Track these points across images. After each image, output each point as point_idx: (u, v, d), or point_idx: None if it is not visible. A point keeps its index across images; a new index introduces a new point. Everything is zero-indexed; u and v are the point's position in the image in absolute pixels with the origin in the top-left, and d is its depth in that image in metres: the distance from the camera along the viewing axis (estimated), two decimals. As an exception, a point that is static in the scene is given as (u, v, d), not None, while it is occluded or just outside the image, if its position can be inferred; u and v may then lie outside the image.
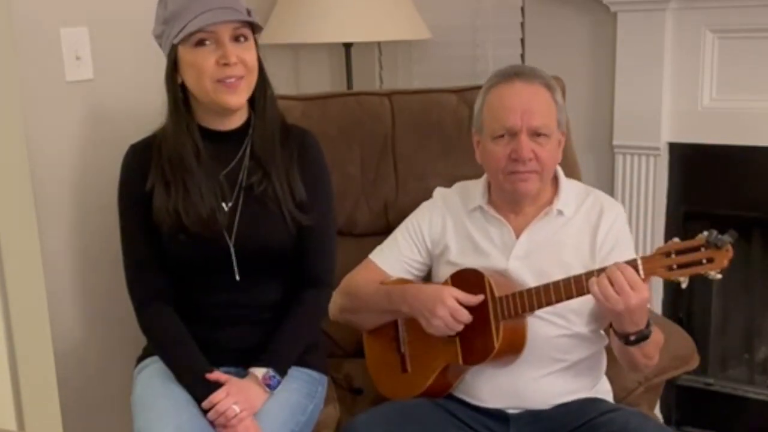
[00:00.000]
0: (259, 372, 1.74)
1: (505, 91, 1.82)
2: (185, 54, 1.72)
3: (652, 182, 2.61)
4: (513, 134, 1.79)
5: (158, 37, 1.77)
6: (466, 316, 1.76)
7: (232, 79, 1.72)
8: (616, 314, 1.64)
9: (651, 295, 1.66)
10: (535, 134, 1.78)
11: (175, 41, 1.71)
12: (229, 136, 1.82)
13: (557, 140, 1.84)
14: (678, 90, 2.52)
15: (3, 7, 1.85)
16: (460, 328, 1.77)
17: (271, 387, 1.75)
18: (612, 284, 1.60)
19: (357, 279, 1.97)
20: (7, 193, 1.89)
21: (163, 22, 1.74)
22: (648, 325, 1.68)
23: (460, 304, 1.77)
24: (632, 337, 1.68)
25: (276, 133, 1.83)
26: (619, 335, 1.70)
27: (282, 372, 1.77)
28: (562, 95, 1.92)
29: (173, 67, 1.75)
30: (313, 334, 1.88)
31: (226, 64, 1.71)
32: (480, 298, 1.77)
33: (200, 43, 1.70)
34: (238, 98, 1.75)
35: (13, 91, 1.89)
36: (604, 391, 1.90)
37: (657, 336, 1.75)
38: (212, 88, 1.72)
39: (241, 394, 1.70)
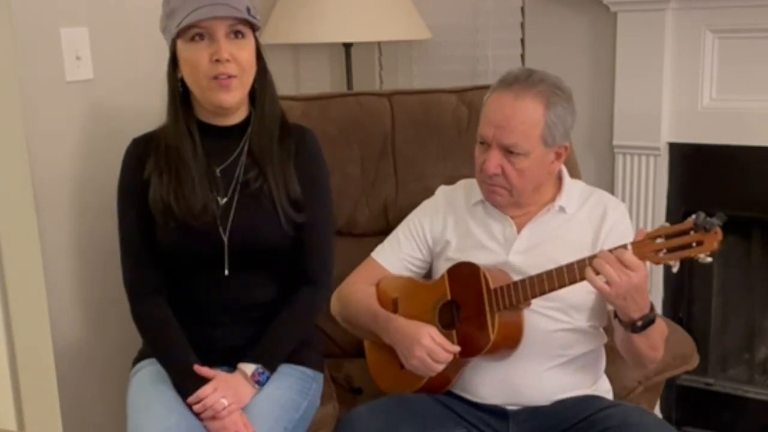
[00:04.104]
0: (248, 369, 1.75)
1: (494, 99, 1.82)
2: (182, 49, 1.73)
3: (652, 182, 2.61)
4: (487, 145, 1.80)
5: (162, 32, 1.79)
6: (444, 356, 1.76)
7: (225, 77, 1.71)
8: (620, 299, 1.63)
9: (649, 276, 1.65)
10: (507, 151, 1.78)
11: (172, 36, 1.73)
12: (228, 132, 1.82)
13: (540, 157, 1.79)
14: (678, 90, 2.53)
15: (3, 7, 1.86)
16: (441, 368, 1.77)
17: (259, 383, 1.75)
18: (612, 267, 1.60)
19: (354, 288, 1.98)
20: (7, 193, 1.89)
21: (166, 16, 1.75)
22: (652, 309, 1.68)
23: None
24: (639, 323, 1.67)
25: (275, 130, 1.82)
26: (625, 325, 1.69)
27: (271, 368, 1.78)
28: (569, 105, 1.82)
29: (173, 61, 1.76)
30: (305, 333, 1.88)
31: (218, 61, 1.70)
32: (456, 348, 1.76)
33: (195, 38, 1.71)
34: (230, 97, 1.74)
35: (13, 91, 1.89)
36: (604, 389, 1.91)
37: (661, 325, 1.75)
38: (207, 85, 1.73)
39: (229, 389, 1.71)
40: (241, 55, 1.73)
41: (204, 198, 1.77)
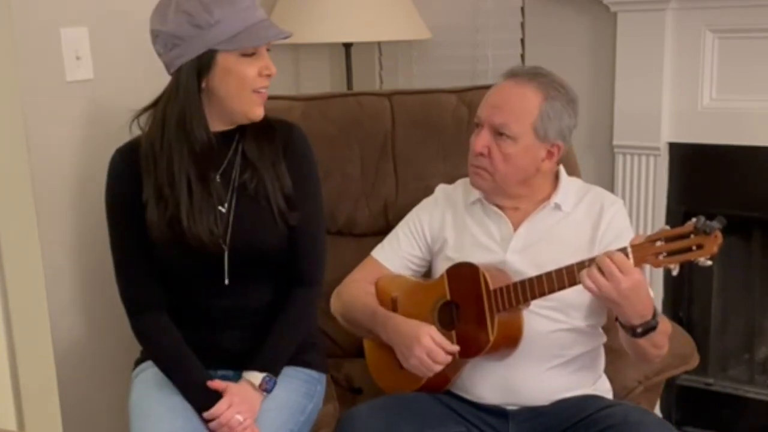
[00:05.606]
0: (256, 379, 1.74)
1: (497, 86, 1.86)
2: (228, 61, 1.69)
3: (652, 182, 2.61)
4: (480, 127, 1.82)
5: (180, 38, 1.67)
6: (442, 357, 1.75)
7: (265, 90, 1.74)
8: (613, 303, 1.63)
9: (646, 280, 1.65)
10: (497, 132, 1.79)
11: (222, 47, 1.67)
12: (222, 137, 1.79)
13: (529, 147, 1.79)
14: (678, 90, 2.53)
15: (3, 7, 1.86)
16: (439, 368, 1.76)
17: (267, 391, 1.75)
18: (601, 272, 1.60)
19: (354, 286, 1.98)
20: (7, 193, 1.89)
21: (196, 25, 1.65)
22: (654, 315, 1.67)
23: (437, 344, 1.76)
24: (639, 330, 1.67)
25: (262, 129, 1.81)
26: (625, 328, 1.69)
27: (277, 374, 1.77)
28: (570, 106, 1.83)
29: (204, 71, 1.69)
30: (305, 332, 1.87)
31: (268, 75, 1.73)
32: (455, 348, 1.76)
33: (247, 53, 1.70)
34: (263, 109, 1.77)
35: (13, 91, 1.89)
36: (603, 389, 1.91)
37: (664, 325, 1.75)
38: (248, 98, 1.72)
39: (243, 403, 1.70)
40: (274, 68, 1.75)
41: (208, 223, 1.73)
